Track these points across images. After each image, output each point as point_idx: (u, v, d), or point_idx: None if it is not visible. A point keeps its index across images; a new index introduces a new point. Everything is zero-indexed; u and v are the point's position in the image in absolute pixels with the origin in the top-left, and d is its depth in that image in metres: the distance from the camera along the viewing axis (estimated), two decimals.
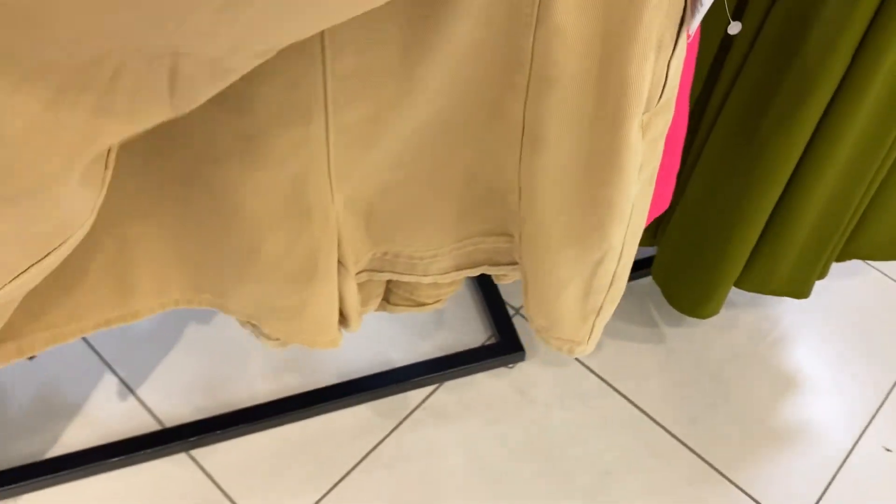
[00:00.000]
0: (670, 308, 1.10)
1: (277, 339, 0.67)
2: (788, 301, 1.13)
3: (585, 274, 0.58)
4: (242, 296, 0.63)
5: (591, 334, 0.65)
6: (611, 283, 0.59)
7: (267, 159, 0.50)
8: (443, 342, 1.05)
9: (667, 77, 0.45)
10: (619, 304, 1.09)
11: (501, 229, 0.64)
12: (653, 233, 0.93)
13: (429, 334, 1.06)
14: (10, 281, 0.40)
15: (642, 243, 0.94)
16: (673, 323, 1.09)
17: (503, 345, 1.04)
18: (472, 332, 1.07)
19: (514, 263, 0.68)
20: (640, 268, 1.10)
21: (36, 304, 0.58)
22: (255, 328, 0.68)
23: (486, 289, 1.09)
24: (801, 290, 0.87)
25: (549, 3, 0.42)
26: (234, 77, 0.38)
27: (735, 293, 1.13)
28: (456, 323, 1.07)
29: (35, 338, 0.61)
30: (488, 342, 1.05)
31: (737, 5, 0.72)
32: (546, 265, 0.59)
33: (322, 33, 0.44)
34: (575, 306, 0.61)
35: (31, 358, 0.63)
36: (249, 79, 0.45)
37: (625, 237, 0.55)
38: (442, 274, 0.68)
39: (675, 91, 0.48)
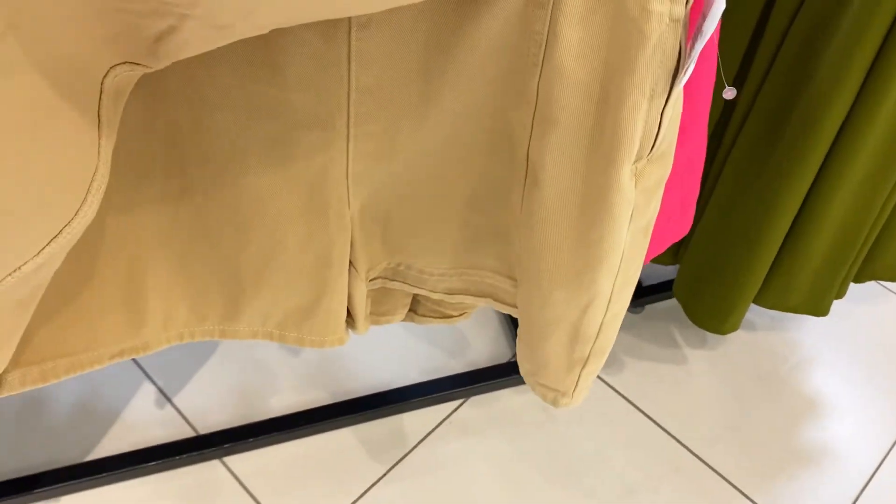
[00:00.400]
0: (693, 330, 1.12)
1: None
2: (809, 325, 1.14)
3: (573, 318, 0.58)
4: (255, 307, 0.66)
5: (576, 386, 0.64)
6: (598, 333, 0.59)
7: (290, 162, 0.54)
8: (469, 359, 1.08)
9: (660, 127, 0.46)
10: (643, 326, 1.12)
11: (508, 271, 0.66)
12: (674, 251, 0.96)
13: (455, 351, 1.09)
14: (45, 247, 0.43)
15: (664, 262, 0.98)
16: (695, 345, 1.11)
17: None
18: (497, 349, 1.09)
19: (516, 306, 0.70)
20: (662, 290, 1.12)
21: (56, 329, 0.62)
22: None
23: None
24: (819, 308, 0.89)
25: (554, 46, 0.45)
26: (223, 43, 0.40)
27: (756, 316, 1.15)
28: (482, 340, 1.10)
29: (56, 364, 0.64)
30: (513, 359, 1.08)
31: (749, 43, 0.76)
32: (536, 304, 0.60)
33: (349, 47, 0.48)
34: (561, 353, 0.61)
35: None
36: (281, 87, 0.50)
37: (613, 285, 0.55)
38: (448, 294, 0.70)
39: (672, 145, 0.49)
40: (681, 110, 0.49)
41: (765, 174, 0.77)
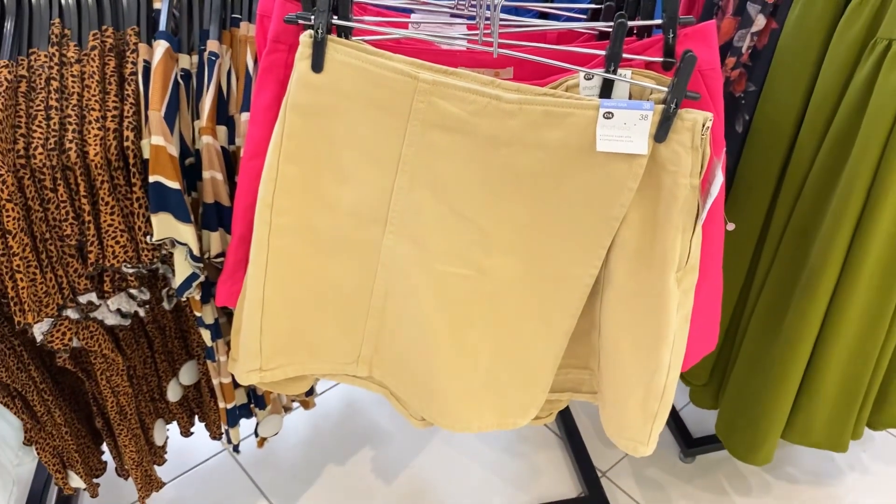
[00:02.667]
0: (739, 479, 1.25)
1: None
2: (849, 481, 1.26)
3: (644, 383, 0.77)
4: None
5: (650, 437, 0.81)
6: (662, 393, 0.78)
7: None
8: (538, 494, 1.22)
9: (690, 249, 0.70)
10: (695, 474, 1.25)
11: (584, 364, 0.88)
12: (714, 397, 1.13)
13: (526, 486, 1.24)
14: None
15: (709, 407, 1.15)
16: (743, 492, 1.23)
17: (591, 500, 1.20)
18: (564, 487, 1.24)
19: (592, 392, 0.90)
20: (712, 442, 1.27)
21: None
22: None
23: (578, 452, 1.28)
24: (838, 445, 1.03)
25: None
26: None
27: (799, 471, 1.27)
28: (551, 479, 1.25)
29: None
30: (580, 496, 1.22)
31: (759, 234, 0.99)
32: (616, 379, 0.81)
33: None
34: (638, 410, 0.80)
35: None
36: None
37: (670, 357, 0.75)
38: None
39: (698, 259, 0.73)
40: (701, 239, 0.72)
41: (780, 332, 0.97)
